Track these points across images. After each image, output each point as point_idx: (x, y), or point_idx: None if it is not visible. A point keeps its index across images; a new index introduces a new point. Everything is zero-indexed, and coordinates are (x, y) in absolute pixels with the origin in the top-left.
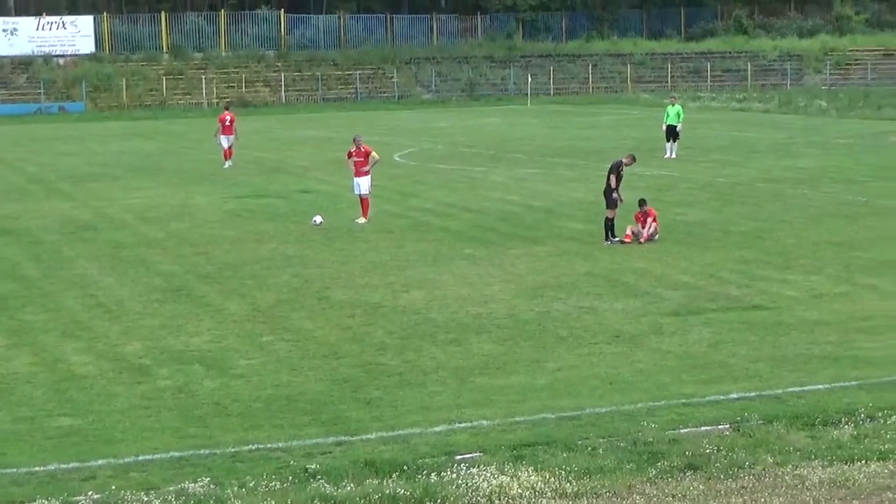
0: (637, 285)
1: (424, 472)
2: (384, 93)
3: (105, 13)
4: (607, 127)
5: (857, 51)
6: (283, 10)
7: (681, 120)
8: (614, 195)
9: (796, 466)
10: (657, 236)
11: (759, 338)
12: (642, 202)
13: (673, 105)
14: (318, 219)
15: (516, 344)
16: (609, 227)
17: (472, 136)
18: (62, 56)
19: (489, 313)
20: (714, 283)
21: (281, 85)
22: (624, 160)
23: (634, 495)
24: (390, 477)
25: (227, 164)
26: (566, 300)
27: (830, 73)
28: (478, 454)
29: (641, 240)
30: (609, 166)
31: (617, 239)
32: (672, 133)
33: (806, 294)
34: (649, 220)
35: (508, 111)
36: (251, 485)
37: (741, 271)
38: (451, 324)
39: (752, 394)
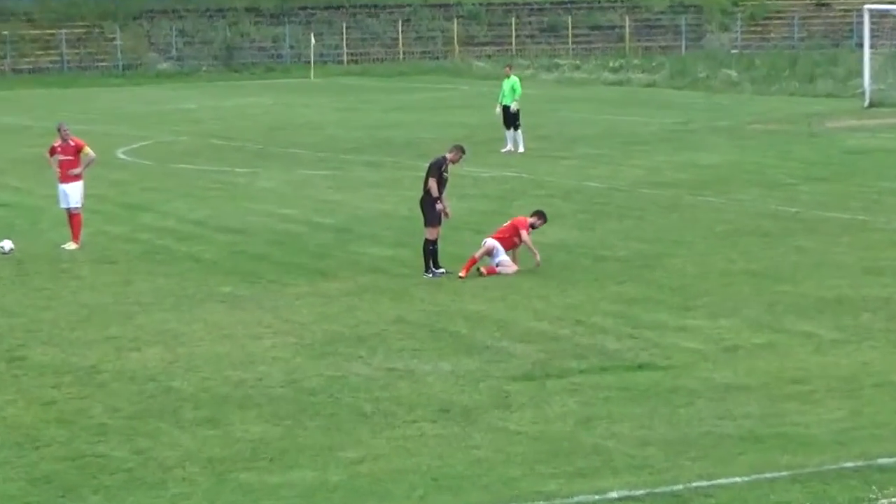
0: (473, 337)
1: None
2: (102, 61)
3: None
4: (426, 109)
5: None
6: None
7: (516, 97)
8: (437, 206)
9: None
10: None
11: (648, 410)
12: (542, 215)
13: (508, 77)
14: (8, 244)
15: (298, 423)
16: (431, 252)
17: (232, 122)
18: None
19: (258, 380)
20: (583, 331)
21: None
22: (448, 156)
23: None
24: None
25: None
26: (369, 360)
27: (742, 32)
28: None
29: (483, 270)
30: (428, 166)
31: (441, 270)
32: (510, 117)
33: (714, 347)
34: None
35: (283, 87)
36: None
37: (621, 315)
38: (202, 395)
39: (641, 491)
